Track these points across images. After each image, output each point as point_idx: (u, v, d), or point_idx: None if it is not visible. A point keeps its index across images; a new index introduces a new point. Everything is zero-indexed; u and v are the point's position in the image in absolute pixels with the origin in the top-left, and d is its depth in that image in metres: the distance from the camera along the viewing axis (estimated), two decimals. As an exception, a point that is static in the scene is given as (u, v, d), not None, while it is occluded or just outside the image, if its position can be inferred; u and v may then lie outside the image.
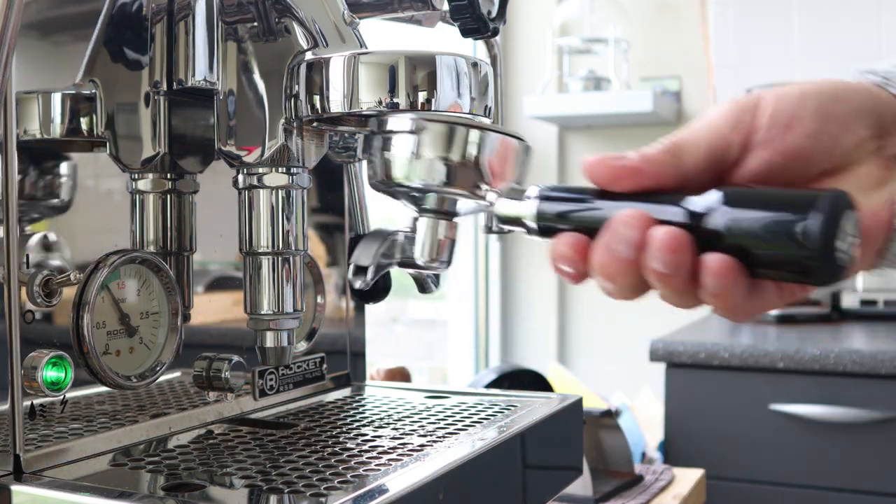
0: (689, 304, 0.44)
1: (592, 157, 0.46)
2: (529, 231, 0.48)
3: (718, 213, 0.42)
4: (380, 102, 0.52)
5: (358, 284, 0.53)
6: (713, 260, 0.41)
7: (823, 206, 0.40)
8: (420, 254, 0.53)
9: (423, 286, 0.63)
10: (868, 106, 0.46)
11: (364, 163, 0.57)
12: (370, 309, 0.85)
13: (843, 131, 0.45)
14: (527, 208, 0.48)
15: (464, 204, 0.52)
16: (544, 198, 0.48)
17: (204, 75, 0.57)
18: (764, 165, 0.45)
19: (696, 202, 0.43)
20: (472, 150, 0.50)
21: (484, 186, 0.50)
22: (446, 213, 0.52)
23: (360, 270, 0.53)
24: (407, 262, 0.54)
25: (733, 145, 0.45)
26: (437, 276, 0.67)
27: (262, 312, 0.58)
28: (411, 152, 0.50)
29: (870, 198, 0.45)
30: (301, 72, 0.55)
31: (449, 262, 0.54)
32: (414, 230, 0.53)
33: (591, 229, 0.45)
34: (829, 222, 0.39)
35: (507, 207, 0.49)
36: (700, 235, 0.42)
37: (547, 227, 0.47)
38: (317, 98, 0.54)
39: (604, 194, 0.46)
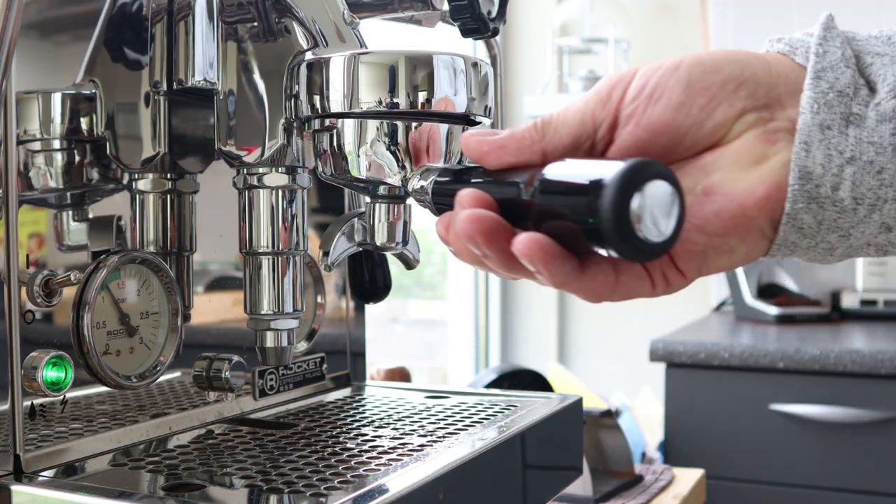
0: (541, 283, 0.42)
1: (468, 132, 0.45)
2: (431, 210, 0.49)
3: (533, 187, 0.40)
4: (380, 102, 0.52)
5: (322, 267, 0.60)
6: (519, 239, 0.39)
7: (618, 173, 0.36)
8: (376, 236, 0.57)
9: (406, 262, 0.65)
10: (754, 76, 0.43)
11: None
12: (370, 309, 0.85)
13: (716, 102, 0.42)
14: (428, 187, 0.49)
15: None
16: (439, 181, 0.48)
17: (204, 75, 0.57)
18: (632, 141, 0.43)
19: (525, 177, 0.42)
20: (397, 140, 0.53)
21: (407, 168, 0.53)
22: (395, 198, 0.56)
23: (325, 255, 0.59)
24: (366, 244, 0.58)
25: (603, 122, 0.43)
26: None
27: (262, 312, 0.58)
28: (352, 147, 0.53)
29: (747, 174, 0.42)
30: (301, 72, 0.55)
31: (405, 242, 0.58)
32: (369, 215, 0.57)
33: None
34: (619, 191, 0.36)
35: (414, 186, 0.50)
36: (521, 212, 0.41)
37: (439, 206, 0.48)
38: (317, 98, 0.54)
39: (483, 173, 0.45)
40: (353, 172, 0.54)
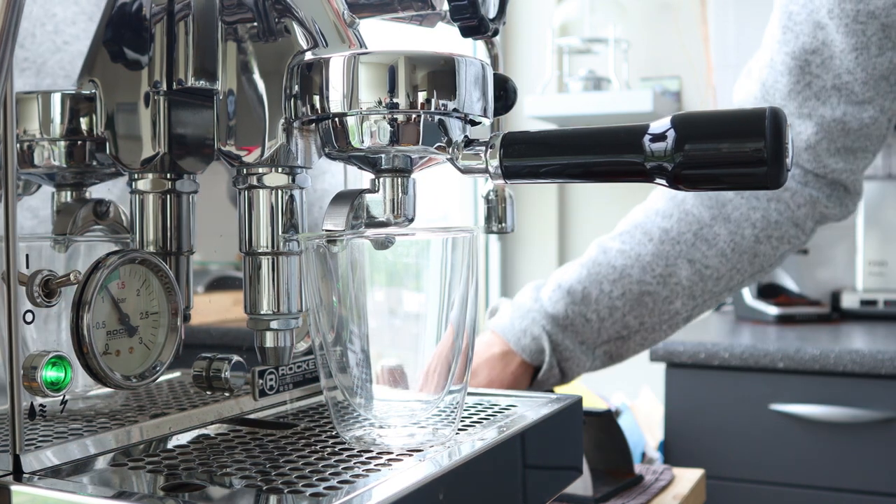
0: None
1: None
2: (493, 177, 0.53)
3: None
4: (380, 102, 0.52)
5: (335, 250, 0.56)
6: None
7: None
8: (384, 212, 0.56)
9: (382, 244, 0.65)
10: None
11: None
12: (370, 309, 0.85)
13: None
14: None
15: (419, 159, 0.56)
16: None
17: (203, 76, 0.57)
18: None
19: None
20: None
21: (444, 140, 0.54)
22: (401, 171, 0.56)
23: (332, 242, 0.56)
24: (373, 222, 0.57)
25: None
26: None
27: (262, 312, 0.58)
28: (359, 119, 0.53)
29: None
30: (301, 72, 0.55)
31: (412, 218, 0.57)
32: (374, 190, 0.56)
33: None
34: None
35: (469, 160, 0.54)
36: None
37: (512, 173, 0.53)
38: (316, 98, 0.54)
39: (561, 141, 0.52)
40: (357, 146, 0.54)
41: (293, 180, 0.58)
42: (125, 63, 0.60)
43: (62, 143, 0.60)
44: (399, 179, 0.56)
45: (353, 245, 0.55)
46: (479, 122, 0.57)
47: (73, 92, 0.60)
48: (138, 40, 0.59)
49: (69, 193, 0.64)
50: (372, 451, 0.56)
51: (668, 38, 2.37)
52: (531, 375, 1.04)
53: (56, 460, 0.53)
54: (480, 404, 0.71)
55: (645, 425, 1.85)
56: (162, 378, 0.59)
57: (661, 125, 0.49)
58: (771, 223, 1.03)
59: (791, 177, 1.02)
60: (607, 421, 0.90)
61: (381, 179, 0.56)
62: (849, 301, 2.06)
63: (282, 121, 0.57)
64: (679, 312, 1.04)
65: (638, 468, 0.94)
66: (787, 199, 1.03)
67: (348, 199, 0.56)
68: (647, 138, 0.49)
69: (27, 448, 0.51)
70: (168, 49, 0.58)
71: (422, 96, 0.52)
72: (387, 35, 0.67)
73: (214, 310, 0.70)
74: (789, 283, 2.12)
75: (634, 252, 1.03)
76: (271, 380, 0.64)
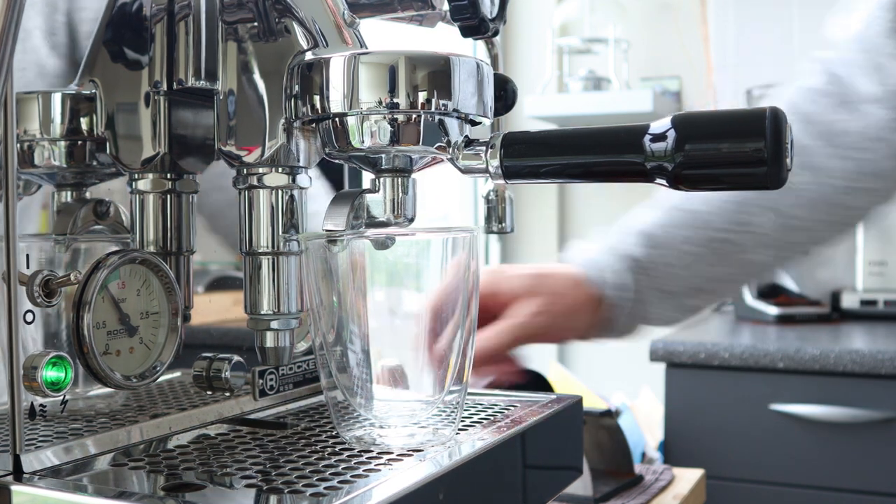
0: None
1: None
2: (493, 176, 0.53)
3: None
4: (380, 102, 0.52)
5: (336, 250, 0.56)
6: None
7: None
8: (384, 212, 0.56)
9: (382, 244, 0.65)
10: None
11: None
12: (370, 309, 0.85)
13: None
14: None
15: (419, 159, 0.56)
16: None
17: (204, 76, 0.57)
18: None
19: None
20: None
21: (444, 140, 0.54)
22: (401, 171, 0.56)
23: (332, 242, 0.56)
24: (374, 223, 0.57)
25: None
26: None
27: (262, 312, 0.59)
28: (360, 118, 0.53)
29: None
30: (301, 72, 0.55)
31: (412, 218, 0.57)
32: (375, 190, 0.56)
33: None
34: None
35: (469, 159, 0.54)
36: None
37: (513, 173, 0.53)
38: (317, 98, 0.54)
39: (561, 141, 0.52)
40: (358, 145, 0.54)
41: (293, 180, 0.58)
42: (125, 63, 0.60)
43: (62, 143, 0.60)
44: (399, 179, 0.56)
45: (354, 245, 0.55)
46: (480, 123, 0.57)
47: (74, 92, 0.61)
48: (138, 40, 0.59)
49: (69, 193, 0.64)
50: (372, 451, 0.56)
51: (668, 38, 2.37)
52: (598, 309, 1.00)
53: (56, 460, 0.52)
54: (480, 404, 0.71)
55: (645, 425, 1.85)
56: (162, 378, 0.59)
57: (661, 125, 0.49)
58: (864, 174, 0.98)
59: (888, 125, 0.98)
60: (607, 421, 0.90)
61: (382, 179, 0.56)
62: (849, 301, 2.06)
63: (282, 121, 0.57)
64: (761, 263, 1.03)
65: (638, 468, 0.94)
66: (884, 149, 0.99)
67: (348, 199, 0.56)
68: (647, 138, 0.49)
69: (27, 448, 0.51)
70: (168, 49, 0.58)
71: (422, 96, 0.52)
72: (387, 35, 0.67)
73: (214, 310, 0.70)
74: (789, 283, 2.12)
75: (717, 198, 0.99)
76: (271, 380, 0.64)
